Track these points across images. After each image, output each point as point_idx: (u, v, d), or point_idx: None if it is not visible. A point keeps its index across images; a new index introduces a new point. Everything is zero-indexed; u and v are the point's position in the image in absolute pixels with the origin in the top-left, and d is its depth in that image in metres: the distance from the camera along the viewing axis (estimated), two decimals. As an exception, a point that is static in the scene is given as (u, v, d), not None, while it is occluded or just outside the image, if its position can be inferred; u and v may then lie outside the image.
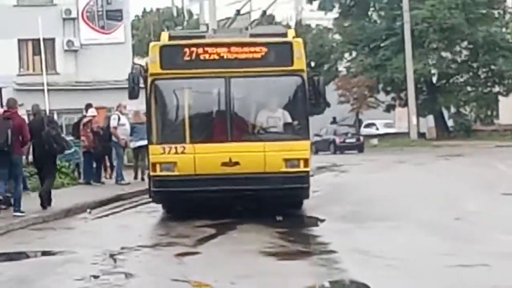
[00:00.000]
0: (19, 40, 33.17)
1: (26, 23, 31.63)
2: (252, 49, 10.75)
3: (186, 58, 10.40)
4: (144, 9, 58.40)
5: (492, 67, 46.63)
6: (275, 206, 10.85)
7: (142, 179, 18.36)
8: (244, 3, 19.46)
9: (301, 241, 9.51)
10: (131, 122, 20.19)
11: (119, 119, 18.61)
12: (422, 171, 23.08)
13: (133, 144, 19.46)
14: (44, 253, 10.13)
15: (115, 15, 34.50)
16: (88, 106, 19.39)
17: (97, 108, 19.92)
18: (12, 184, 13.03)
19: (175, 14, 60.10)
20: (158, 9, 58.38)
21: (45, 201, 13.50)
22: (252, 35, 11.61)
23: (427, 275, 6.82)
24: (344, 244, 8.47)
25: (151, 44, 11.01)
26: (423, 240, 8.94)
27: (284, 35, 11.42)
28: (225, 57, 10.63)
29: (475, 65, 46.22)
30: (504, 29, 46.09)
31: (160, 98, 10.75)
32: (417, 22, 42.11)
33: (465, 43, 46.01)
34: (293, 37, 11.26)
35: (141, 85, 12.30)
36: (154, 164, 10.60)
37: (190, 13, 58.49)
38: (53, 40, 32.96)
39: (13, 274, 8.39)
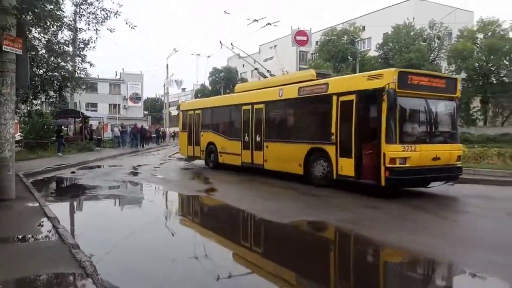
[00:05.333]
0: (109, 104, 52.95)
1: (112, 99, 52.13)
2: (442, 80, 9.60)
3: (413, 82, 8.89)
4: (147, 97, 70.13)
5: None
6: (446, 182, 9.51)
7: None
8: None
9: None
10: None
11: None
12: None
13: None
14: (113, 166, 16.39)
15: (138, 97, 55.61)
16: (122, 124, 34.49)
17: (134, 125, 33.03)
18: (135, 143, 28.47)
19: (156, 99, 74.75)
20: (149, 98, 72.99)
21: (140, 147, 28.66)
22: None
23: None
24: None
25: (394, 69, 9.06)
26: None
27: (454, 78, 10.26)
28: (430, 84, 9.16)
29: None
30: None
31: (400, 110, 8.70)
32: None
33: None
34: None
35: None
36: (394, 159, 8.42)
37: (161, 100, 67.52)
38: (120, 104, 52.93)
39: (102, 171, 14.25)
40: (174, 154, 24.30)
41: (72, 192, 10.72)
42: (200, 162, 16.66)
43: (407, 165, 8.52)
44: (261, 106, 12.69)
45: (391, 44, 36.41)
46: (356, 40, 40.08)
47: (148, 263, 4.69)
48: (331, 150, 9.90)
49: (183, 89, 66.69)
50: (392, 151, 8.46)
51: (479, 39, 32.83)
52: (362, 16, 44.03)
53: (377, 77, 8.90)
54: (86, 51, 11.46)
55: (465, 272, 4.76)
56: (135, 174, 14.13)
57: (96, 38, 10.75)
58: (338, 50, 37.83)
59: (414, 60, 33.12)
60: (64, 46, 11.44)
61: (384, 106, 8.51)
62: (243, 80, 64.20)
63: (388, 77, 8.62)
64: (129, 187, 11.54)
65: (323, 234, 6.60)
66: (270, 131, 12.40)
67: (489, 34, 32.11)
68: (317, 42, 41.47)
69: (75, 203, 9.18)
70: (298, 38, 34.11)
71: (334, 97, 9.91)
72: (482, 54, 31.63)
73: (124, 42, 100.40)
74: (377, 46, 37.96)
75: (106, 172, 14.33)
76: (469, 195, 9.44)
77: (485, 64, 31.24)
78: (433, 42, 36.04)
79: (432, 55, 36.01)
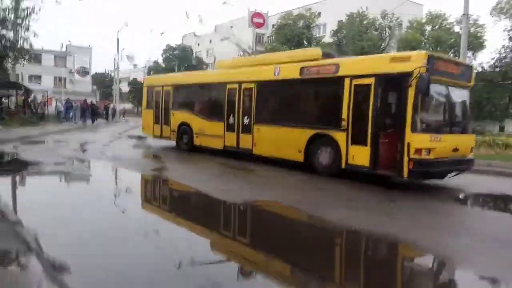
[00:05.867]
0: (54, 77, 50.52)
1: (57, 72, 49.40)
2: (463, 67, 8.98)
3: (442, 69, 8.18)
4: (96, 72, 64.17)
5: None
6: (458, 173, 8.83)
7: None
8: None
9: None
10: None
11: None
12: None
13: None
14: (58, 141, 15.67)
15: (86, 71, 53.92)
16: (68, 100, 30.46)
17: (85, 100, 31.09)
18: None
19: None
20: (97, 72, 67.50)
21: (87, 122, 27.29)
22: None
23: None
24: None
25: (424, 52, 8.10)
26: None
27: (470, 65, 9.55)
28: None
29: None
30: None
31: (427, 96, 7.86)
32: None
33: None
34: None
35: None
36: (419, 150, 7.64)
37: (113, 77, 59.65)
38: (66, 78, 49.95)
39: (47, 147, 13.54)
40: (125, 131, 23.67)
41: (14, 167, 10.17)
42: (157, 142, 16.03)
43: (431, 156, 7.77)
44: (252, 85, 11.45)
45: (344, 32, 37.25)
46: (312, 25, 40.66)
47: (95, 239, 4.66)
48: (340, 137, 9.01)
49: (135, 65, 64.50)
50: (418, 141, 7.68)
51: (427, 31, 34.45)
52: (318, 2, 44.52)
53: (403, 59, 8.08)
54: (29, 21, 10.80)
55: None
56: (83, 151, 13.63)
57: (40, 8, 10.08)
58: (294, 34, 38.22)
59: (366, 48, 34.17)
60: (5, 14, 10.70)
61: (411, 92, 7.69)
62: (199, 60, 63.22)
63: (418, 61, 7.76)
64: (76, 164, 11.14)
65: (276, 212, 6.60)
66: (263, 113, 11.27)
67: (436, 27, 33.77)
68: (273, 25, 41.56)
69: (17, 179, 8.76)
70: (255, 20, 33.97)
71: (347, 80, 8.94)
72: (429, 45, 33.27)
73: (72, 14, 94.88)
74: (332, 32, 38.70)
75: (51, 148, 13.77)
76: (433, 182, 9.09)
77: (431, 55, 32.84)
78: (384, 32, 37.31)
79: (383, 44, 37.29)
